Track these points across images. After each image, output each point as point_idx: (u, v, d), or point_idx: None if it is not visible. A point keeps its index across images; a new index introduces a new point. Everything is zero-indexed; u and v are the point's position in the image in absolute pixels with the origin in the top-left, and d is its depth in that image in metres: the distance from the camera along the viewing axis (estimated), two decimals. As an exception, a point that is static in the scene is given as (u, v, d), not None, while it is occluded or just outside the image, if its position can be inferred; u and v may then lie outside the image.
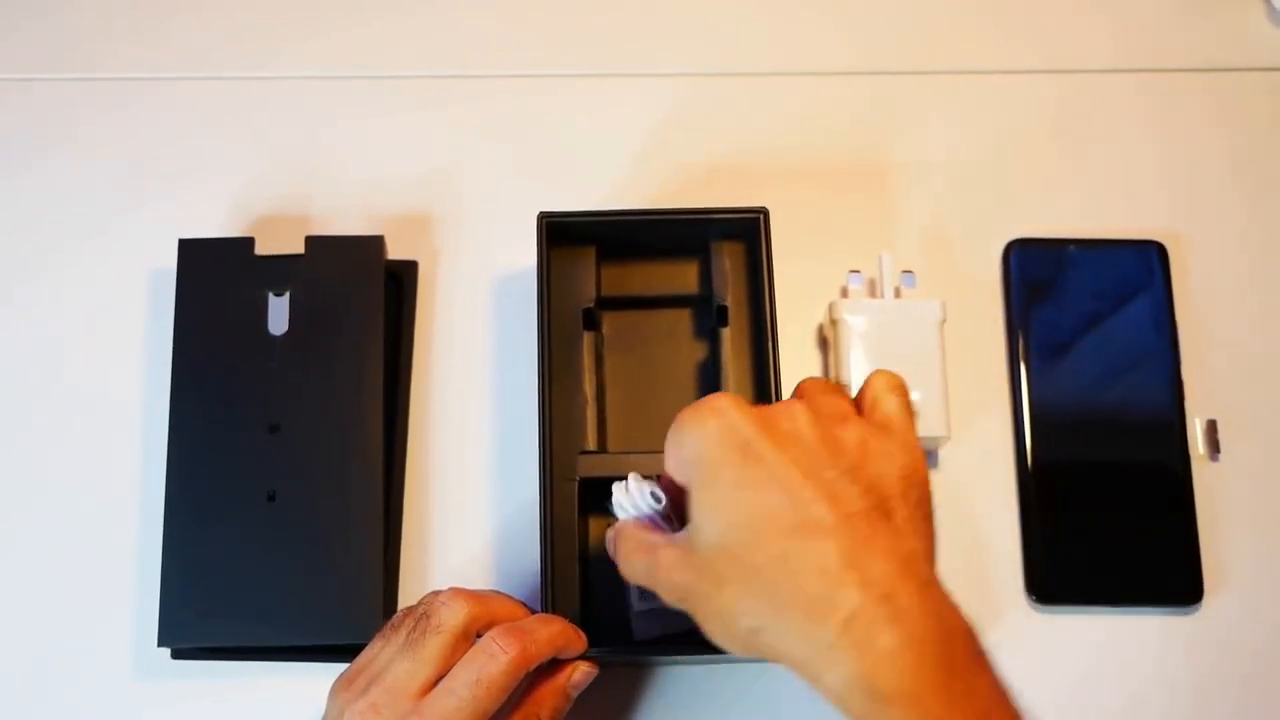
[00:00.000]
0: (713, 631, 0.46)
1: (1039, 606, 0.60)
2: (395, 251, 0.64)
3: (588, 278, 0.60)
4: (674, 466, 0.47)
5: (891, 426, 0.48)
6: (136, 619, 0.59)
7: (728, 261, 0.61)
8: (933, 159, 0.68)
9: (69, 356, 0.63)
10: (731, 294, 0.61)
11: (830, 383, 0.50)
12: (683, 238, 0.61)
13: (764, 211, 0.59)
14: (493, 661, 0.48)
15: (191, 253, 0.61)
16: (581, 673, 0.53)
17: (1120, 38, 0.71)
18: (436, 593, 0.51)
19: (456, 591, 0.51)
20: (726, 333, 0.60)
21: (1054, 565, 0.60)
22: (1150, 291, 0.64)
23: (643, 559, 0.48)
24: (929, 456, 0.62)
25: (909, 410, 0.49)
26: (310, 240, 0.61)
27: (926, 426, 0.59)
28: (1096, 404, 0.62)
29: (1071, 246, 0.65)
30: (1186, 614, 0.60)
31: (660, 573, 0.47)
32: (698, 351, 0.62)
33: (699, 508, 0.46)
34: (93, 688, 0.58)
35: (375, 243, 0.62)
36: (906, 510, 0.46)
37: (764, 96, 0.69)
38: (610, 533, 0.52)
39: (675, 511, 0.50)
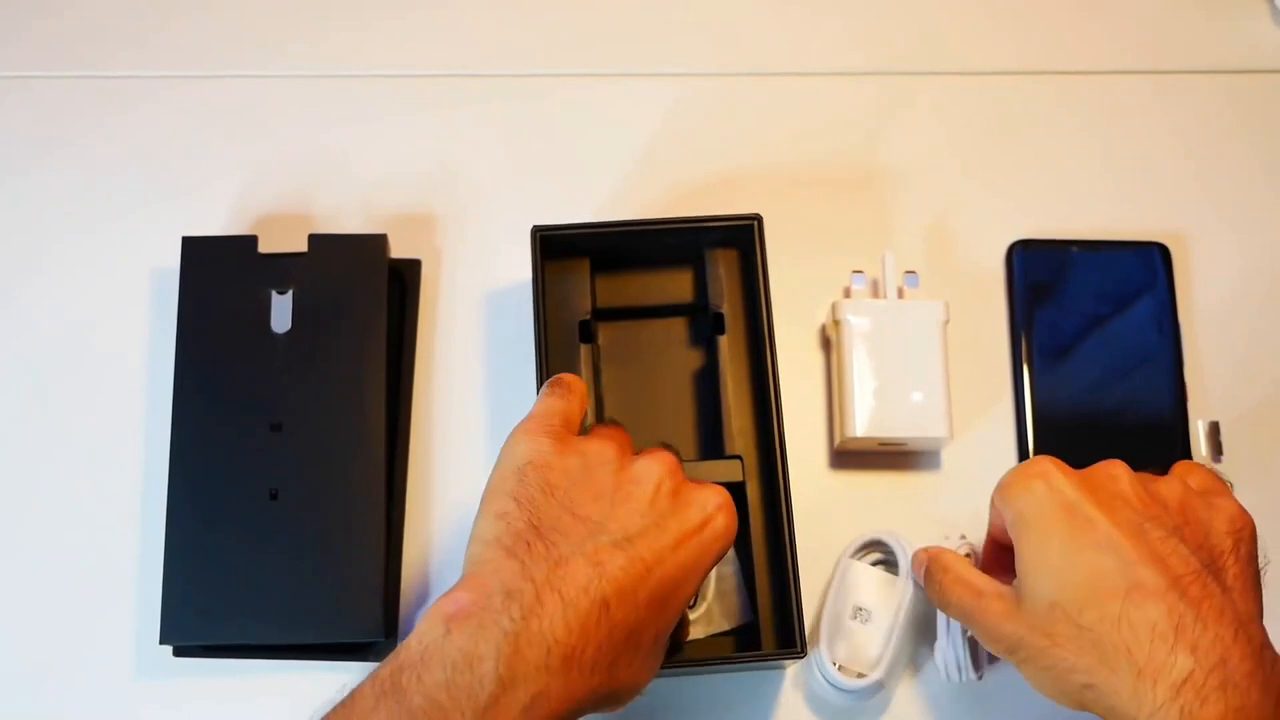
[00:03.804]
0: (1042, 684, 0.47)
1: (1041, 607, 0.60)
2: (398, 250, 0.64)
3: (582, 290, 0.60)
4: (1000, 525, 0.50)
5: (1210, 486, 0.50)
6: (138, 617, 0.59)
7: (722, 269, 0.61)
8: (936, 160, 0.68)
9: (72, 355, 0.63)
10: (727, 301, 0.60)
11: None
12: (677, 246, 0.61)
13: (757, 218, 0.59)
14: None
15: (195, 251, 0.61)
16: None
17: (1123, 40, 0.71)
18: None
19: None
20: (724, 340, 0.60)
21: (1056, 566, 0.60)
22: (1153, 293, 0.64)
23: (968, 599, 0.50)
24: (931, 457, 0.62)
25: (1225, 484, 0.51)
26: (313, 239, 0.61)
27: (928, 427, 0.59)
28: (1099, 405, 0.62)
29: (1074, 247, 0.65)
30: (1188, 616, 0.60)
31: (988, 619, 0.49)
32: (695, 360, 0.61)
33: (1030, 567, 0.48)
34: (95, 685, 0.58)
35: (378, 241, 0.62)
36: (1238, 568, 0.47)
37: (768, 98, 0.69)
38: (921, 554, 0.54)
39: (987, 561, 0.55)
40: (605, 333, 0.62)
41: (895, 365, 0.60)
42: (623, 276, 0.62)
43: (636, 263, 0.62)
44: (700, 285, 0.61)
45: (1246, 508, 0.60)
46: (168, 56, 0.69)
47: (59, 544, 0.60)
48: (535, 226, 0.58)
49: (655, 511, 0.47)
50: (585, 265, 0.60)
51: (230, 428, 0.58)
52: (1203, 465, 0.51)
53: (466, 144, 0.68)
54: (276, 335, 0.60)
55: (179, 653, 0.58)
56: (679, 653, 0.55)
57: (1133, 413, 0.62)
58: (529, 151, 0.67)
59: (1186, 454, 0.61)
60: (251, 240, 0.61)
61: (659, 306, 0.62)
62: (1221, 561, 0.47)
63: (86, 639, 0.59)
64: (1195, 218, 0.66)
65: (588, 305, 0.60)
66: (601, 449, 0.49)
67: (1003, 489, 0.50)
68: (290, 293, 0.60)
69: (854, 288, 0.63)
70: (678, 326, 0.62)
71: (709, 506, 0.48)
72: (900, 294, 0.62)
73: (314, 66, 0.69)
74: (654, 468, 0.48)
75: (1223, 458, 0.62)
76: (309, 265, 0.61)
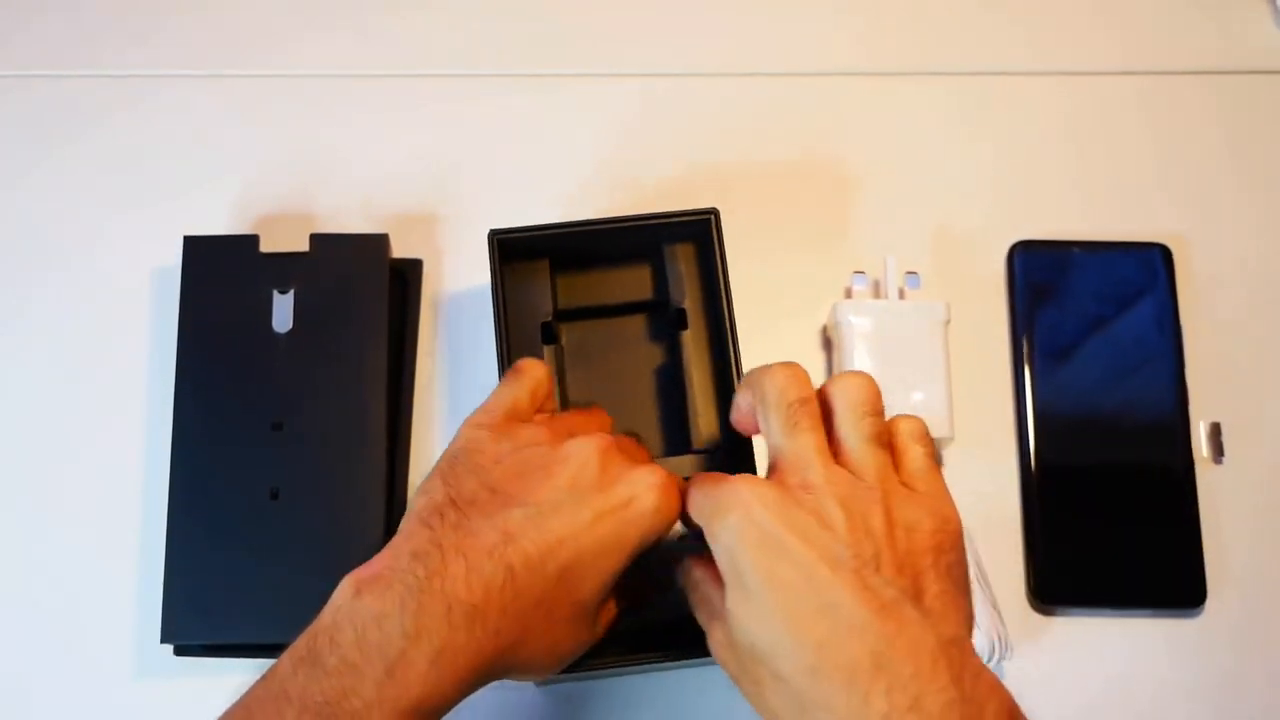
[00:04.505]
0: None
1: (1041, 609, 0.60)
2: (399, 250, 0.64)
3: (543, 292, 0.59)
4: (744, 412, 0.49)
5: (918, 486, 0.46)
6: (139, 616, 0.59)
7: (682, 265, 0.60)
8: (938, 160, 0.68)
9: (73, 354, 0.63)
10: (689, 297, 0.60)
11: (871, 406, 0.47)
12: (637, 244, 0.60)
13: (714, 212, 0.58)
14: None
15: (196, 250, 0.61)
16: None
17: (1125, 40, 0.71)
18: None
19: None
20: (687, 336, 0.59)
21: (1057, 568, 0.60)
22: (1154, 294, 0.64)
23: (704, 618, 0.48)
24: (932, 458, 0.62)
25: (935, 461, 0.48)
26: (315, 238, 0.61)
27: (930, 427, 0.59)
28: (1100, 406, 0.62)
29: (1076, 248, 0.65)
30: (1189, 617, 0.60)
31: (712, 646, 0.47)
32: (659, 356, 0.61)
33: (732, 607, 0.44)
34: (95, 685, 0.58)
35: (379, 241, 0.62)
36: (939, 585, 0.44)
37: (772, 96, 0.69)
38: (683, 566, 0.50)
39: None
40: (568, 333, 0.61)
41: (896, 366, 0.60)
42: (585, 276, 0.61)
43: (598, 262, 0.61)
44: (661, 282, 0.61)
45: (1245, 509, 0.61)
46: (169, 55, 0.69)
47: (59, 543, 0.60)
48: (492, 230, 0.58)
49: (577, 488, 0.46)
50: (545, 266, 0.60)
51: (231, 427, 0.58)
52: (917, 435, 0.48)
53: (469, 143, 0.68)
54: (278, 335, 0.60)
55: (179, 652, 0.58)
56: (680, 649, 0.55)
57: (1134, 414, 0.62)
58: (532, 150, 0.67)
59: (1188, 455, 0.61)
60: (253, 240, 0.61)
61: (622, 305, 0.61)
62: (923, 581, 0.44)
63: (86, 638, 0.59)
64: (1197, 219, 0.66)
65: (549, 307, 0.59)
66: (534, 434, 0.49)
67: (697, 509, 0.46)
68: (292, 292, 0.60)
69: (855, 288, 0.63)
70: (641, 324, 0.62)
71: (637, 486, 0.47)
72: (901, 295, 0.62)
73: (316, 66, 0.69)
74: (583, 447, 0.48)
75: (1224, 459, 0.62)
76: (310, 265, 0.61)
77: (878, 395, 0.48)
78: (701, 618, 0.48)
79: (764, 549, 0.43)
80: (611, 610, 0.49)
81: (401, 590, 0.43)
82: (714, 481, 0.46)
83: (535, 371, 0.52)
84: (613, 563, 0.46)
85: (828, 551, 0.43)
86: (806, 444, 0.46)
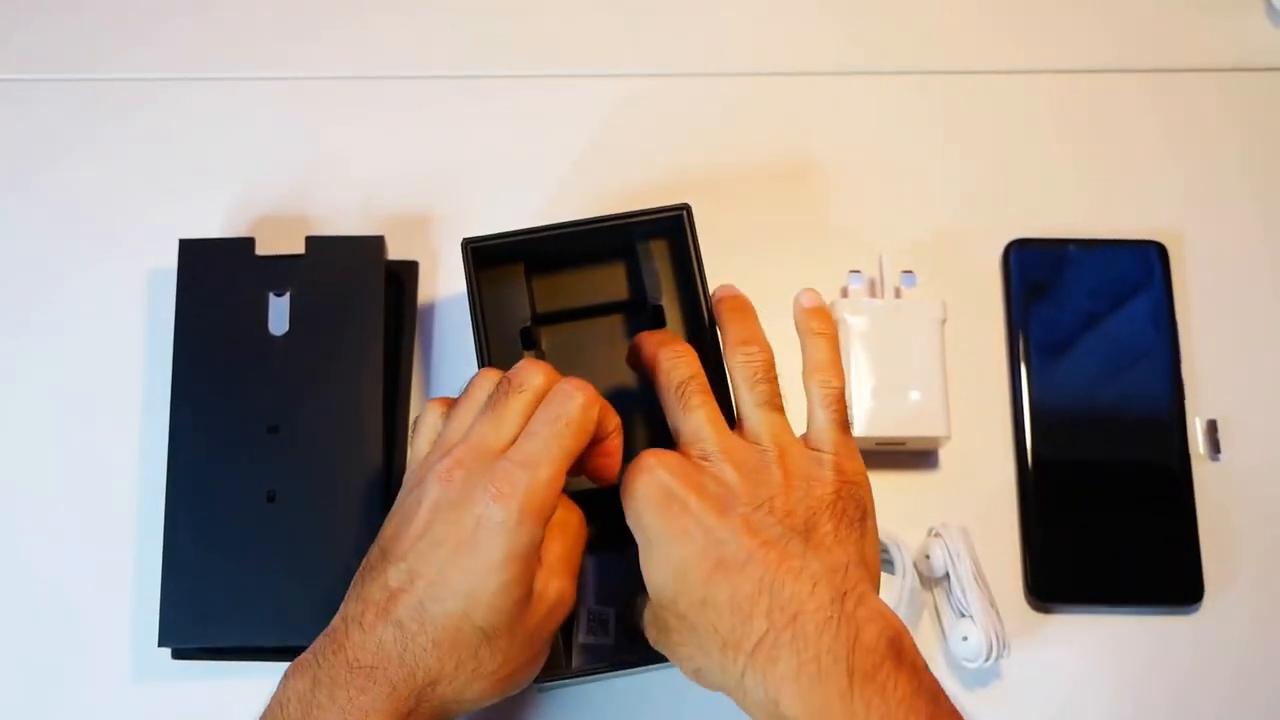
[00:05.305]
0: (683, 673, 0.50)
1: (1039, 607, 0.60)
2: (395, 252, 0.64)
3: (520, 297, 0.59)
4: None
5: (822, 447, 0.50)
6: (137, 619, 0.59)
7: (658, 263, 0.60)
8: (934, 159, 0.68)
9: (69, 356, 0.63)
10: (667, 294, 0.60)
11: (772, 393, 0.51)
12: (611, 244, 0.60)
13: (686, 208, 0.58)
14: (569, 400, 0.49)
15: (192, 253, 0.61)
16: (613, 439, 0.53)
17: (1121, 38, 0.71)
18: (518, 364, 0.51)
19: (534, 360, 0.51)
20: None
21: (1054, 565, 0.60)
22: (1150, 291, 0.64)
23: (633, 613, 0.52)
24: (929, 457, 0.62)
25: (842, 424, 0.50)
26: (310, 240, 0.61)
27: (926, 426, 0.59)
28: (1097, 404, 0.62)
29: (1071, 246, 0.65)
30: (1186, 614, 0.60)
31: (645, 629, 0.51)
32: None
33: (643, 567, 0.49)
34: (93, 688, 0.58)
35: (375, 243, 0.62)
36: (831, 525, 0.47)
37: (767, 96, 0.69)
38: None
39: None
40: (548, 337, 0.61)
41: (893, 364, 0.60)
42: (561, 278, 0.61)
43: (574, 264, 0.61)
44: (637, 281, 0.60)
45: (1242, 506, 0.61)
46: (166, 59, 0.69)
47: (57, 546, 0.60)
48: (465, 239, 0.57)
49: (433, 529, 0.48)
50: (520, 271, 0.59)
51: (228, 430, 0.58)
52: (824, 401, 0.51)
53: (465, 145, 0.68)
54: (274, 337, 0.60)
55: (177, 655, 0.58)
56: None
57: (1130, 411, 0.62)
58: (528, 152, 0.67)
59: (1184, 452, 0.61)
60: (249, 242, 0.61)
61: (600, 305, 0.61)
62: (815, 521, 0.47)
63: (84, 642, 0.59)
64: (1192, 216, 0.66)
65: (527, 312, 0.59)
66: (410, 479, 0.51)
67: (623, 488, 0.50)
68: (288, 295, 0.60)
69: (851, 288, 0.63)
70: (620, 324, 0.61)
71: (478, 504, 0.47)
72: (898, 293, 0.62)
73: (311, 68, 0.69)
74: (429, 487, 0.48)
75: (1221, 455, 0.62)
76: (306, 267, 0.61)
77: (768, 363, 0.52)
78: (635, 616, 0.52)
79: (665, 505, 0.47)
80: (541, 612, 0.49)
81: (314, 667, 0.47)
82: (632, 460, 0.50)
83: (427, 419, 0.53)
84: (495, 581, 0.46)
85: (719, 500, 0.47)
86: (699, 420, 0.50)
